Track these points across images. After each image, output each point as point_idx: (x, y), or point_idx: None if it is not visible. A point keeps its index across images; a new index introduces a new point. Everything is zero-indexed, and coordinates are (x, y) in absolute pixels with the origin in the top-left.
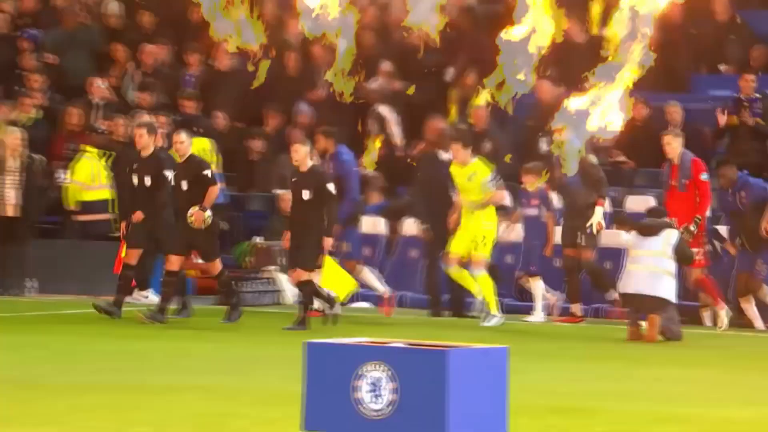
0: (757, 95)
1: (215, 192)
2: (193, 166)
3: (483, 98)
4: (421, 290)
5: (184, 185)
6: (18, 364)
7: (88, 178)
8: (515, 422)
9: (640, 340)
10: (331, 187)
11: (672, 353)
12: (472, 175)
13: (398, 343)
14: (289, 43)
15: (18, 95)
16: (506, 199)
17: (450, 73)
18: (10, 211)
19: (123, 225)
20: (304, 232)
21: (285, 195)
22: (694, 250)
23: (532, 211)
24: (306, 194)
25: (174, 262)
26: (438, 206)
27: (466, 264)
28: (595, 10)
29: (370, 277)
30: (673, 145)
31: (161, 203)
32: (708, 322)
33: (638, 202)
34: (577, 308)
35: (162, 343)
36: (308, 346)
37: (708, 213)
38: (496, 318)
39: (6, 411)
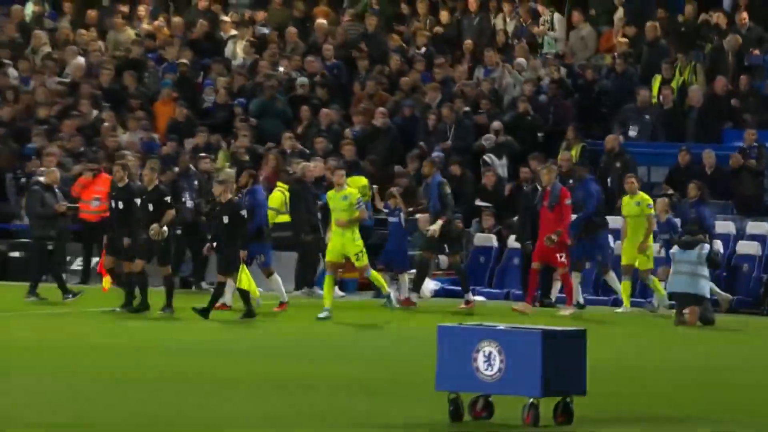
0: (755, 144)
1: (171, 213)
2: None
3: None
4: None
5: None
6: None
7: (281, 206)
8: (592, 385)
9: (684, 325)
10: (243, 213)
11: (702, 334)
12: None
13: (503, 326)
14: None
15: (231, 146)
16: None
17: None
18: None
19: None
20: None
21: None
22: (561, 254)
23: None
24: (225, 219)
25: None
26: (534, 228)
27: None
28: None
29: (278, 282)
30: (548, 176)
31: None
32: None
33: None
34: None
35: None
36: (440, 328)
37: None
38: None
39: None
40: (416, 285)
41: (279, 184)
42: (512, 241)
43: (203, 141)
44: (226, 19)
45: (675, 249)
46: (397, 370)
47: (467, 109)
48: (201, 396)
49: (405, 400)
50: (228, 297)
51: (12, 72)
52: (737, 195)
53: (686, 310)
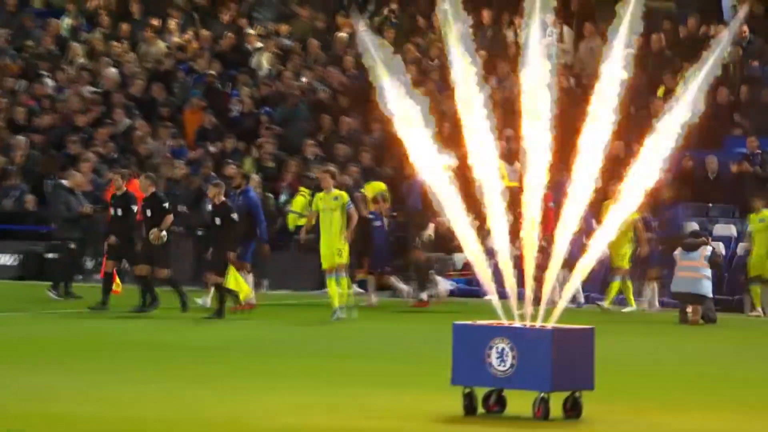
0: (758, 151)
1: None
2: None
3: None
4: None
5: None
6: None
7: (303, 209)
8: (599, 380)
9: (687, 323)
10: (234, 216)
11: (709, 331)
12: None
13: (517, 324)
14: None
15: (257, 153)
16: None
17: None
18: None
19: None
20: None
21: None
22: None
23: None
24: (217, 221)
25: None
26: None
27: None
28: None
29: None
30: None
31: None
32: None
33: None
34: (425, 295)
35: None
36: (455, 326)
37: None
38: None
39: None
40: (421, 286)
41: (301, 188)
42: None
43: (230, 147)
44: (252, 32)
45: (678, 251)
46: (413, 365)
47: None
48: (235, 388)
49: (421, 394)
50: (251, 296)
51: (49, 82)
52: (740, 200)
53: (689, 309)
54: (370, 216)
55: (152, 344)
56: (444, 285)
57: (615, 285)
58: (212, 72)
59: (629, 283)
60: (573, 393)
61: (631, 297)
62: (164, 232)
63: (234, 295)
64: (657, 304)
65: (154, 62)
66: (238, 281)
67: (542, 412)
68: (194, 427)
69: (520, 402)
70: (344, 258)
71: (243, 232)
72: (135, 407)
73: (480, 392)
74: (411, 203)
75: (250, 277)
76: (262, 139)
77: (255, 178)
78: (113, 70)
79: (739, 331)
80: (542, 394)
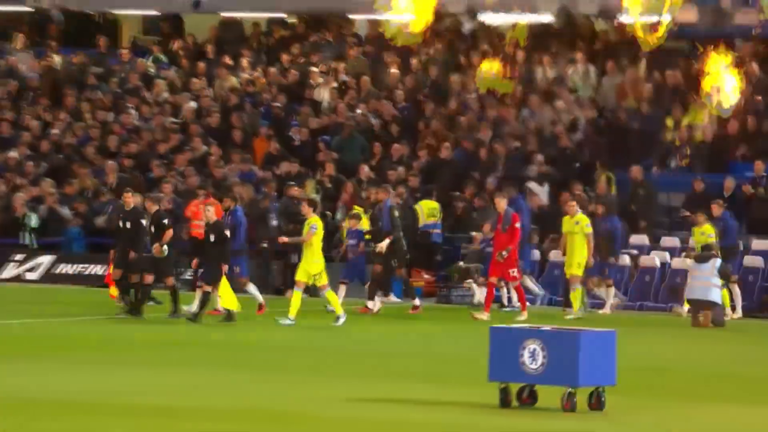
0: (764, 174)
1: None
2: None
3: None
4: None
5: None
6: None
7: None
8: (621, 377)
9: (699, 326)
10: (227, 232)
11: (715, 333)
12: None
13: (546, 327)
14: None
15: (318, 175)
16: None
17: None
18: None
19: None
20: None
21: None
22: (512, 270)
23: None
24: (211, 237)
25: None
26: None
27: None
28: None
29: (253, 288)
30: (502, 204)
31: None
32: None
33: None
34: (372, 304)
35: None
36: (491, 329)
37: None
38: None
39: None
40: (371, 294)
41: (356, 207)
42: (554, 255)
43: (293, 171)
44: (314, 69)
45: (691, 262)
46: (452, 364)
47: (517, 145)
48: (296, 383)
49: (461, 389)
50: (218, 303)
51: (135, 114)
52: (747, 217)
53: (701, 314)
54: (384, 231)
55: (231, 344)
56: (480, 294)
57: (577, 292)
58: (278, 104)
59: (581, 290)
60: (597, 388)
61: (578, 303)
62: (165, 246)
63: (204, 302)
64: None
65: (227, 96)
66: (228, 291)
67: (570, 405)
68: (261, 416)
69: (550, 396)
70: (322, 280)
71: (235, 250)
72: (204, 397)
73: (514, 387)
74: (381, 224)
75: (252, 287)
76: (322, 162)
77: (315, 198)
78: (191, 104)
79: (745, 335)
80: (569, 390)
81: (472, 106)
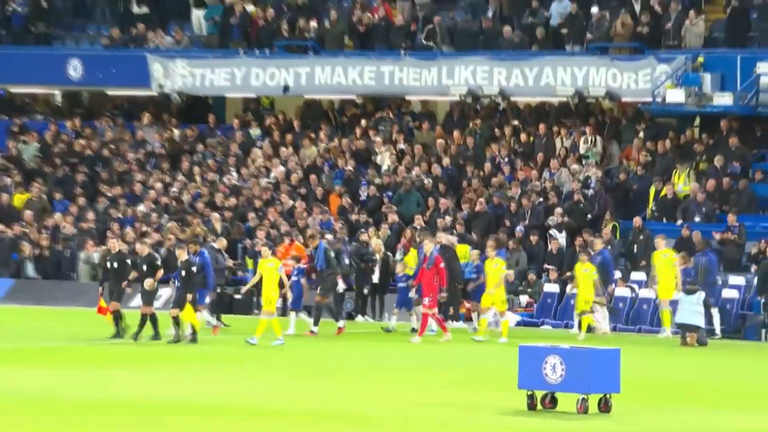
0: (736, 224)
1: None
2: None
3: None
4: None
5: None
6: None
7: (412, 264)
8: (624, 386)
9: (687, 346)
10: (194, 269)
11: (700, 351)
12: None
13: (565, 346)
14: None
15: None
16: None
17: None
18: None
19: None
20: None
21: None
22: (426, 299)
23: None
24: (183, 273)
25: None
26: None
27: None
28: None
29: (205, 315)
30: (429, 246)
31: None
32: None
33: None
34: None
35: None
36: (520, 347)
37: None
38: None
39: None
40: (315, 320)
41: (411, 248)
42: (569, 289)
43: (362, 220)
44: (378, 139)
45: (681, 294)
46: (484, 374)
47: (540, 199)
48: (352, 390)
49: (493, 395)
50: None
51: (236, 176)
52: (725, 258)
53: (688, 336)
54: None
55: (313, 356)
56: (513, 318)
57: (584, 320)
58: (349, 167)
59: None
60: (605, 395)
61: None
62: (155, 282)
63: (178, 324)
64: (607, 328)
65: (309, 161)
66: (192, 315)
67: (583, 408)
68: (329, 416)
69: (567, 401)
70: (270, 308)
71: (199, 283)
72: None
73: (539, 394)
74: (317, 263)
75: (206, 313)
76: (385, 214)
77: (380, 242)
78: (281, 167)
79: (725, 352)
80: (583, 396)
81: (503, 169)
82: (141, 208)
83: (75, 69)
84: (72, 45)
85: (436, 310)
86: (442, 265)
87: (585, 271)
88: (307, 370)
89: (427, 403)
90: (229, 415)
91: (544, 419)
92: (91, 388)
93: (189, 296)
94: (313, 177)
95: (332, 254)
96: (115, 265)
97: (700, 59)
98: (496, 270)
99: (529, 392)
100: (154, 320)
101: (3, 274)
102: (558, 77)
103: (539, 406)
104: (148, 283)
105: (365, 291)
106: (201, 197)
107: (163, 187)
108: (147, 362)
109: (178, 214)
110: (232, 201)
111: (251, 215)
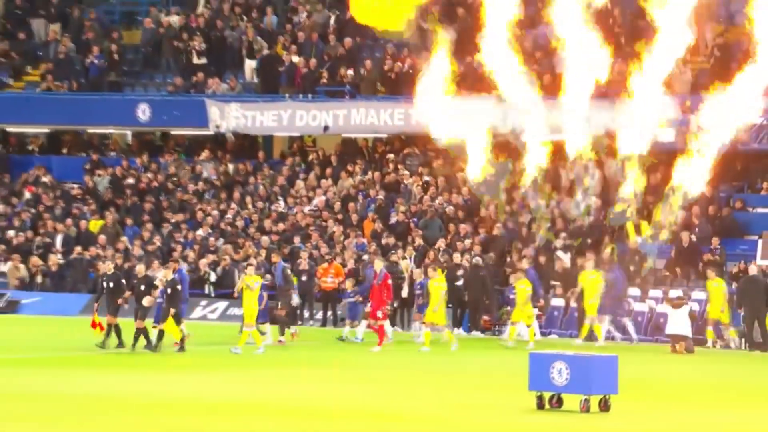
0: (719, 246)
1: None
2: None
3: None
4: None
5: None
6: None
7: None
8: (622, 388)
9: (676, 353)
10: (178, 287)
11: (687, 358)
12: None
13: (570, 353)
14: None
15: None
16: None
17: None
18: None
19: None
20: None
21: None
22: (380, 311)
23: None
24: (168, 290)
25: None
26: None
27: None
28: None
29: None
30: (379, 265)
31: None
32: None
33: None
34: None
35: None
36: (531, 354)
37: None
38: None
39: None
40: (281, 330)
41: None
42: (573, 302)
43: (391, 243)
44: (406, 172)
45: (669, 307)
46: (497, 378)
47: (548, 225)
48: (384, 394)
49: (505, 396)
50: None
51: (282, 204)
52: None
53: (678, 344)
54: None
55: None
56: (523, 329)
57: (585, 327)
58: (381, 197)
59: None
60: (605, 396)
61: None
62: (153, 300)
63: (161, 335)
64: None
65: (354, 191)
66: (173, 327)
67: (586, 408)
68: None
69: (571, 402)
70: (250, 321)
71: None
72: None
73: (546, 395)
74: (276, 280)
75: (184, 326)
76: (411, 238)
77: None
78: (321, 197)
79: (708, 357)
80: (585, 397)
81: (516, 198)
82: (200, 232)
83: (143, 112)
84: (141, 91)
85: (387, 321)
86: (389, 281)
87: (591, 278)
88: (358, 375)
89: (446, 403)
90: (297, 415)
91: (550, 417)
92: (167, 390)
93: (172, 311)
94: (350, 205)
95: (289, 272)
96: (111, 284)
97: (687, 102)
98: (520, 290)
99: (538, 393)
100: (146, 333)
101: (81, 290)
102: None
103: (547, 406)
104: (147, 300)
105: (395, 305)
106: (252, 223)
107: (219, 214)
108: (225, 367)
109: (232, 238)
110: (280, 226)
111: (296, 239)
